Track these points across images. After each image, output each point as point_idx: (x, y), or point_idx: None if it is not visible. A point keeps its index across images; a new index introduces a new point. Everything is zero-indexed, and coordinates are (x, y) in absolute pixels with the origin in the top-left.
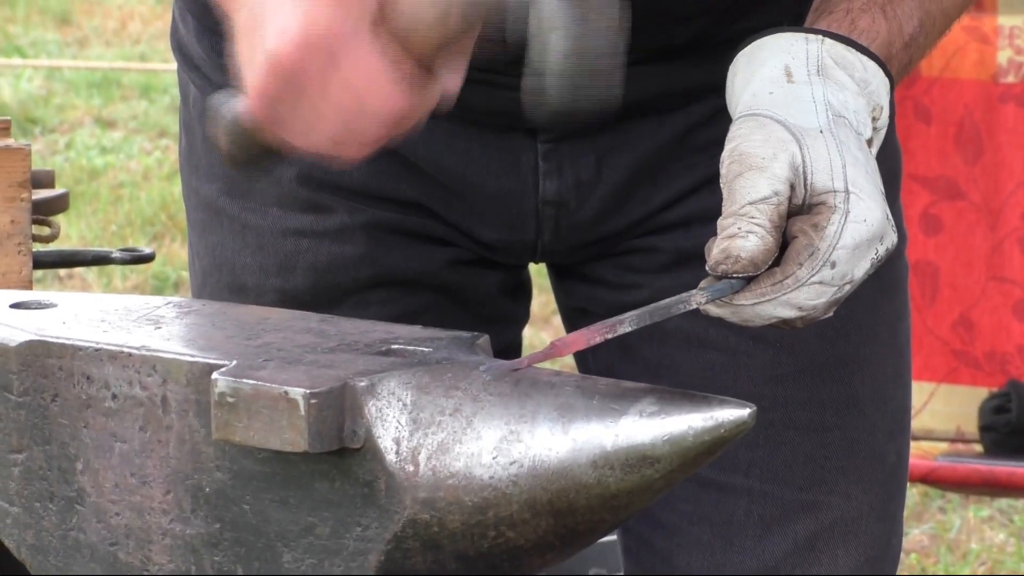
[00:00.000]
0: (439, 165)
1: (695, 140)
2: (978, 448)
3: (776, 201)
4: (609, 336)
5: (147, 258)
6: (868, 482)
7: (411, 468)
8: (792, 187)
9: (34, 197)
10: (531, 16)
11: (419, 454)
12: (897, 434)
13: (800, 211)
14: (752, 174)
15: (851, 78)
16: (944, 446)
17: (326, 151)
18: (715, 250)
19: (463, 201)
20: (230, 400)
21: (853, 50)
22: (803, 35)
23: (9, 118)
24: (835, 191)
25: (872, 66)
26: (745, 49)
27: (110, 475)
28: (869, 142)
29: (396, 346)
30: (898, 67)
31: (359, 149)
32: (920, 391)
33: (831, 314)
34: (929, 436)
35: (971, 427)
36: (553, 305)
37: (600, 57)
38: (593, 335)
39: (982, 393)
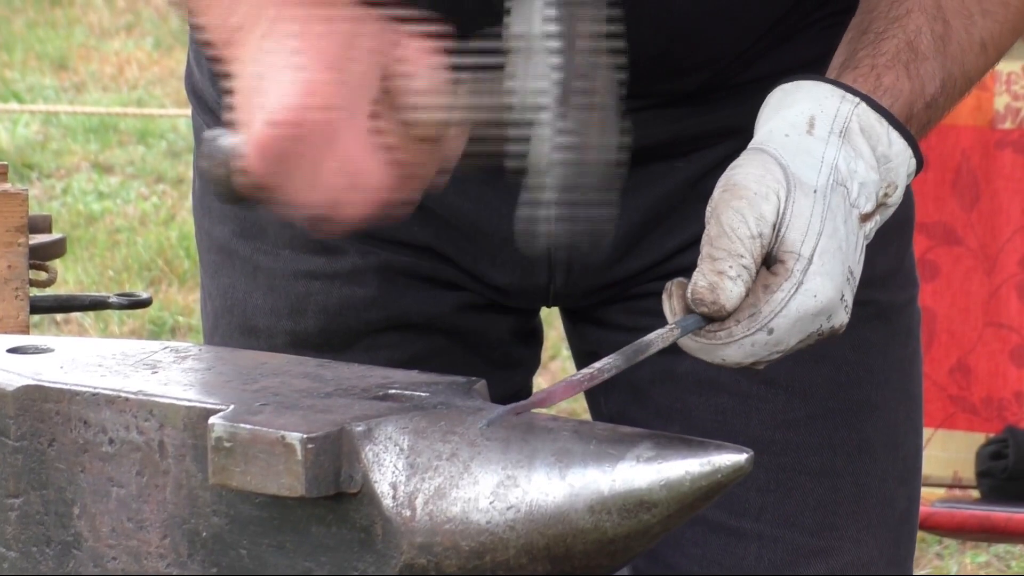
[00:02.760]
0: (452, 209)
1: (709, 184)
2: (975, 494)
3: (760, 243)
4: (594, 383)
5: (144, 303)
6: (879, 528)
7: (408, 513)
8: (772, 230)
9: (31, 242)
10: (531, 144)
11: (416, 499)
12: (908, 480)
13: (766, 257)
14: (741, 205)
15: (872, 150)
16: (941, 492)
17: (317, 214)
18: (703, 282)
19: (475, 245)
20: (227, 445)
21: (884, 122)
22: (841, 92)
23: (6, 163)
24: (799, 256)
25: (900, 144)
26: (784, 86)
27: (107, 520)
28: (868, 216)
29: (393, 391)
30: (917, 127)
31: (348, 218)
32: None
33: (759, 368)
34: (926, 482)
35: (968, 473)
36: (552, 350)
37: (595, 194)
38: (577, 385)
39: (979, 439)
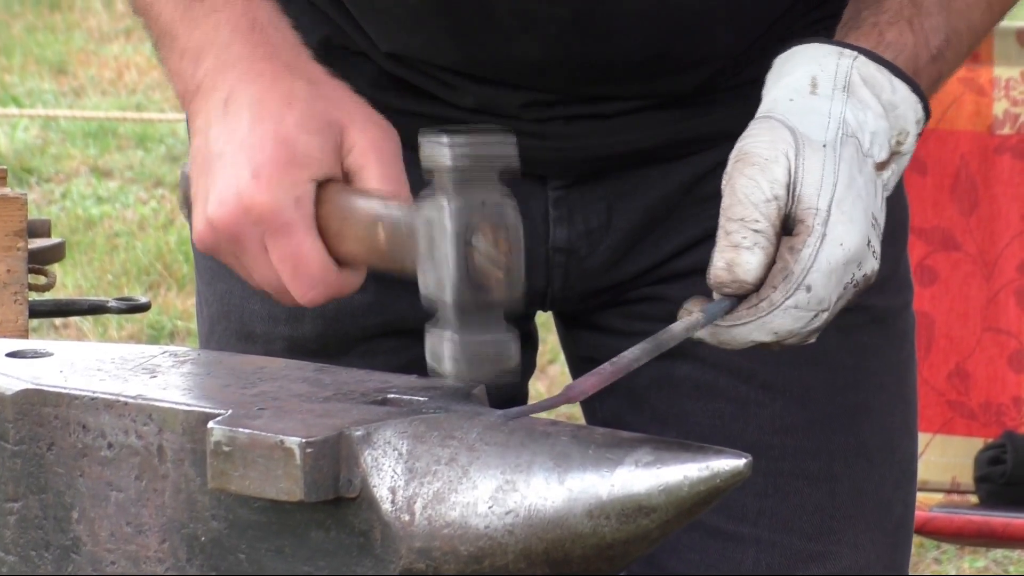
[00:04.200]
0: None
1: (706, 187)
2: (973, 499)
3: (776, 206)
4: (622, 375)
5: (143, 307)
6: (876, 532)
7: (407, 517)
8: (787, 192)
9: (30, 246)
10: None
11: (415, 503)
12: (904, 484)
13: (786, 221)
14: (753, 172)
15: (877, 99)
16: (940, 497)
17: (264, 291)
18: (720, 262)
19: None
20: (226, 449)
21: (885, 71)
22: (837, 49)
23: (5, 167)
24: (817, 209)
25: (903, 89)
26: (782, 55)
27: (106, 524)
28: (884, 165)
29: (392, 395)
30: (927, 82)
31: (292, 301)
32: None
33: (813, 340)
34: (924, 487)
35: (966, 478)
36: (549, 355)
37: (493, 364)
38: (606, 377)
39: (977, 444)
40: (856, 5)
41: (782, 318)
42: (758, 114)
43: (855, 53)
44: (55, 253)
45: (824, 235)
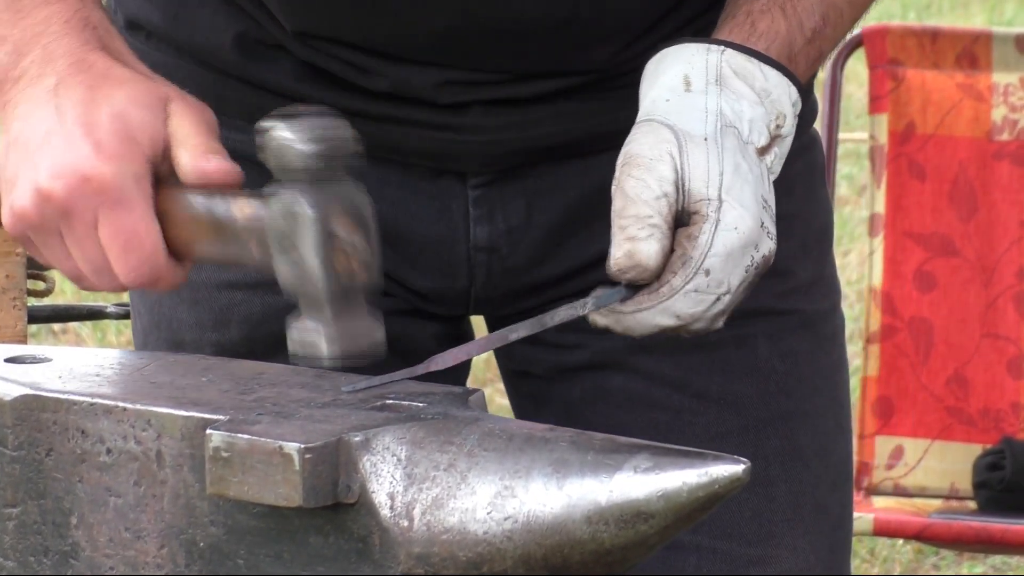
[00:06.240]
0: None
1: None
2: (972, 505)
3: (667, 202)
4: (491, 349)
5: None
6: (815, 534)
7: (405, 523)
8: (676, 189)
9: (28, 252)
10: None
11: (413, 509)
12: (840, 485)
13: (680, 216)
14: (641, 173)
15: (751, 88)
16: (938, 503)
17: (72, 279)
18: (618, 252)
19: (396, 249)
20: (224, 455)
21: (754, 60)
22: (705, 46)
23: None
24: (708, 199)
25: (774, 75)
26: (653, 58)
27: (104, 529)
28: (765, 149)
29: (391, 401)
30: (805, 63)
31: (105, 287)
32: (914, 448)
33: (720, 325)
34: (923, 493)
35: (965, 484)
36: None
37: (365, 346)
38: (472, 351)
39: (976, 450)
40: None
41: (683, 302)
42: (638, 119)
43: (722, 47)
44: None
45: (718, 221)
